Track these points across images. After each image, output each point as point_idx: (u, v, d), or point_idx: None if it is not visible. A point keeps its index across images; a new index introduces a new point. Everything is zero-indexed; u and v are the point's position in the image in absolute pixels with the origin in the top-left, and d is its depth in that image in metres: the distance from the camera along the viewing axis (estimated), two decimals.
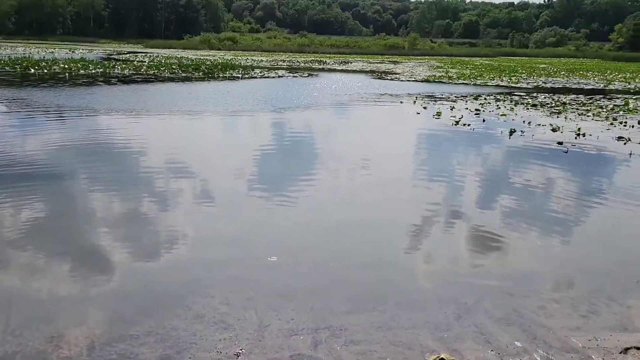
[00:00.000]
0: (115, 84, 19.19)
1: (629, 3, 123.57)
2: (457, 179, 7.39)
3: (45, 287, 3.91)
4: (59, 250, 4.58)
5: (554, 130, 11.27)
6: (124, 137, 9.55)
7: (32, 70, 22.93)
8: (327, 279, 4.19)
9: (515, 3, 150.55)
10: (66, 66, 25.12)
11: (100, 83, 19.11)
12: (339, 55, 64.78)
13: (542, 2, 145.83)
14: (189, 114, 12.40)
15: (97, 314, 3.54)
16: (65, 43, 78.31)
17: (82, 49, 54.96)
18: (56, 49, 50.53)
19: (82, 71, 23.57)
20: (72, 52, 46.16)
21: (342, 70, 33.25)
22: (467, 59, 65.95)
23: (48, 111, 11.92)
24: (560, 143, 9.84)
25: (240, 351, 3.17)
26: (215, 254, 4.61)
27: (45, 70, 23.15)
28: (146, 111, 12.43)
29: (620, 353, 3.27)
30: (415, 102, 16.07)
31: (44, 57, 32.80)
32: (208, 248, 4.75)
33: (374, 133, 11.37)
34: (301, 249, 4.77)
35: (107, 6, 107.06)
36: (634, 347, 3.33)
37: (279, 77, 25.67)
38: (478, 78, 27.52)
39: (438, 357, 3.15)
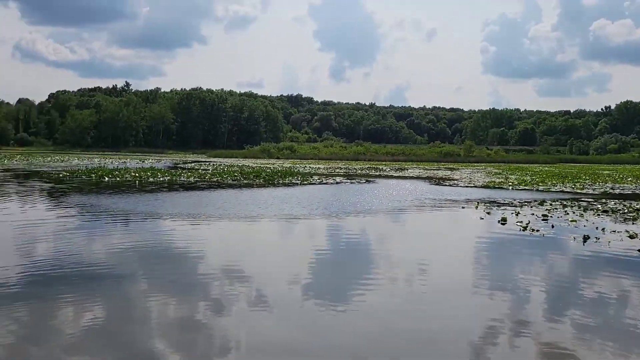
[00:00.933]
0: (178, 190, 19.96)
1: None
2: (528, 288, 6.85)
3: None
4: (115, 355, 4.42)
5: (631, 237, 10.53)
6: (184, 241, 9.65)
7: (106, 179, 24.37)
8: None
9: (572, 111, 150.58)
10: (136, 174, 26.61)
11: (165, 190, 19.94)
12: (394, 163, 65.78)
13: (599, 110, 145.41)
14: (249, 219, 12.52)
15: None
16: (137, 154, 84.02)
17: (152, 159, 58.60)
18: (128, 159, 54.14)
19: (151, 179, 24.82)
20: (142, 162, 49.21)
21: (398, 177, 33.44)
22: (525, 165, 65.27)
23: (115, 215, 12.36)
24: None
25: None
26: None
27: (118, 178, 24.56)
28: (207, 216, 12.66)
29: None
30: (477, 207, 15.66)
31: (117, 166, 35.03)
32: (262, 358, 4.47)
33: (435, 239, 11.00)
34: None
35: (175, 120, 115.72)
36: None
37: (337, 183, 26.02)
38: (540, 184, 26.84)
39: None
